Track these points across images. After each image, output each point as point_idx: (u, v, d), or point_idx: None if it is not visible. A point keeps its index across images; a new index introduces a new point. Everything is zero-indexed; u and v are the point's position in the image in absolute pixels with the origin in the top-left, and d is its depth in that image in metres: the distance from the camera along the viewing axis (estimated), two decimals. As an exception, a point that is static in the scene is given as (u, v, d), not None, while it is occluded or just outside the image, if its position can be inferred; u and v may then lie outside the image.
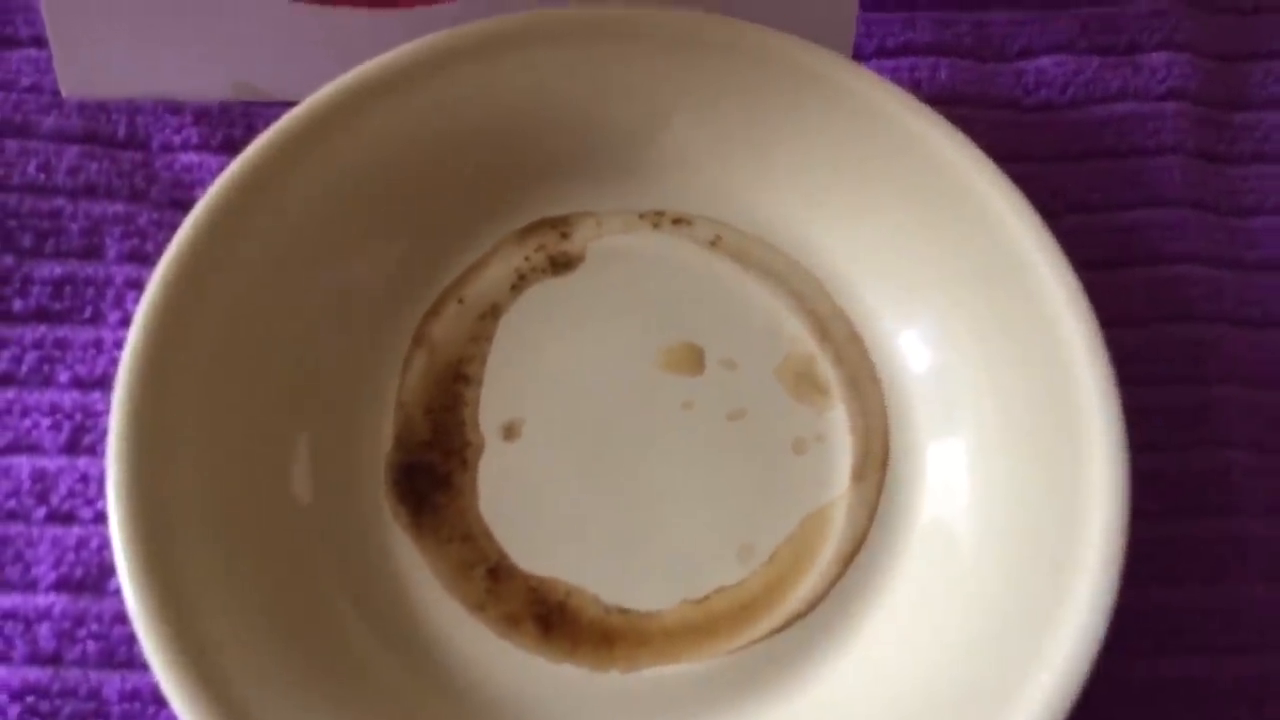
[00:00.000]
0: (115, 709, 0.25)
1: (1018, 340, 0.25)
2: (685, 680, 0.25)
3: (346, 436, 0.26)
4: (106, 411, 0.24)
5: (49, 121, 0.29)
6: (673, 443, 0.26)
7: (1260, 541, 0.27)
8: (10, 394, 0.27)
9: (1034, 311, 0.25)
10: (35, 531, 0.26)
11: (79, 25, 0.28)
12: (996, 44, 0.31)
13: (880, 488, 0.26)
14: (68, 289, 0.28)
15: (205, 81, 0.29)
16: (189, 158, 0.29)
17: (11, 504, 0.26)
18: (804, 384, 0.27)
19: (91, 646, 0.25)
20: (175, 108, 0.30)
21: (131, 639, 0.25)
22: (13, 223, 0.28)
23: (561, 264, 0.28)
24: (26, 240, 0.28)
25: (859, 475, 0.26)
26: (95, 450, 0.27)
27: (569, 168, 0.28)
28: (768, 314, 0.27)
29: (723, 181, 0.28)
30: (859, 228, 0.27)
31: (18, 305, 0.28)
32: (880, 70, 0.30)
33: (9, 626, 0.25)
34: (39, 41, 0.30)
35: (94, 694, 0.25)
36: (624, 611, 0.25)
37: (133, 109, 0.30)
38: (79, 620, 0.26)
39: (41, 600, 0.26)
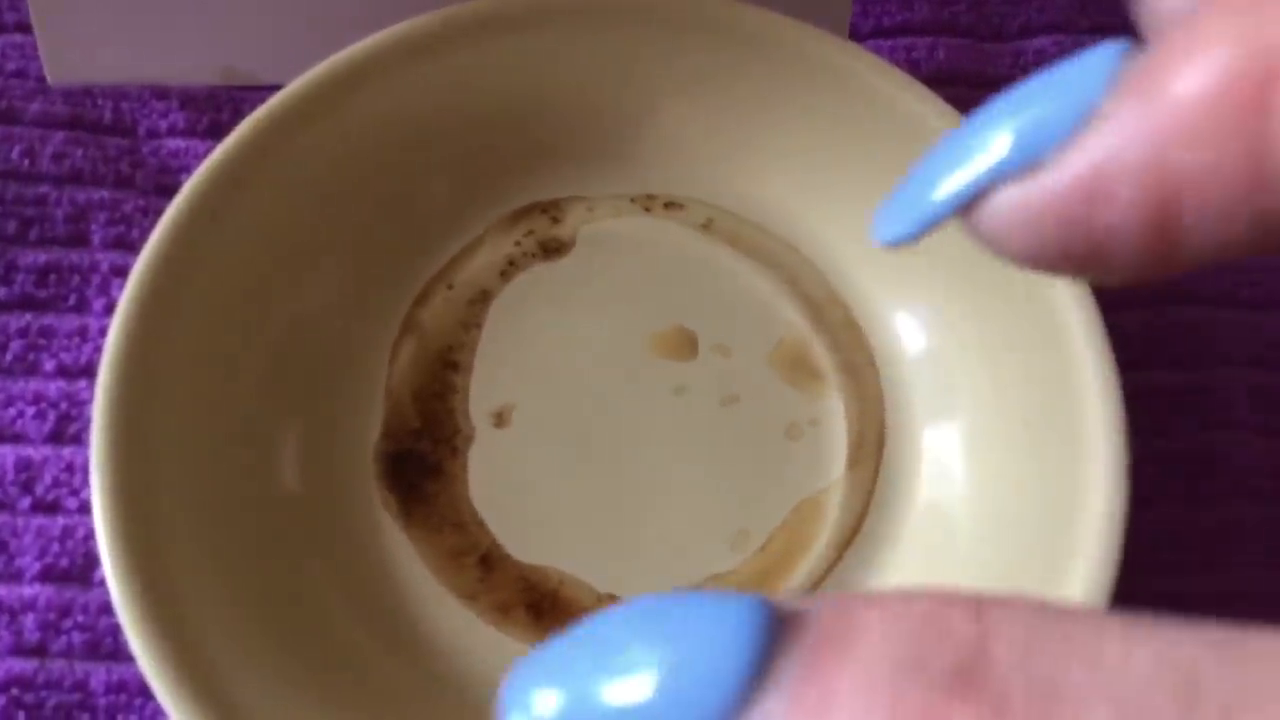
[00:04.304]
0: (101, 700, 0.25)
1: (1014, 323, 0.25)
2: (679, 669, 0.25)
3: (335, 424, 0.26)
4: (92, 400, 0.24)
5: (34, 107, 0.29)
6: (665, 429, 0.26)
7: (1262, 526, 0.27)
8: (-5, 383, 0.27)
9: (1031, 293, 0.25)
10: (20, 522, 0.26)
11: (64, 11, 0.28)
12: (995, 23, 0.31)
13: (876, 473, 0.26)
14: (52, 276, 0.28)
15: (192, 66, 0.29)
16: (175, 143, 0.29)
17: (-4, 494, 0.26)
18: (798, 369, 0.27)
19: (77, 638, 0.25)
20: (161, 93, 0.29)
21: (117, 630, 0.25)
22: (-4, 210, 0.28)
23: (552, 249, 0.27)
24: (10, 227, 0.28)
25: (854, 461, 0.26)
26: (80, 439, 0.26)
27: (559, 152, 0.27)
28: (761, 298, 0.27)
29: (715, 165, 0.27)
30: (854, 210, 0.27)
31: (1, 293, 0.27)
32: (877, 50, 0.30)
33: (-7, 618, 0.25)
34: (24, 27, 0.29)
35: (79, 685, 0.25)
36: (617, 599, 0.25)
37: (119, 94, 0.29)
38: (64, 611, 0.25)
39: (26, 591, 0.25)
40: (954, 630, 0.10)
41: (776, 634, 0.10)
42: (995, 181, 0.13)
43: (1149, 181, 0.11)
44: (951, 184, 0.13)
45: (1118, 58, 0.12)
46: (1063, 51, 0.31)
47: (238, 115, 0.29)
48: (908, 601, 0.10)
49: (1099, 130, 0.12)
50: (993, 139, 0.13)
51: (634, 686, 0.10)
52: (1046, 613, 0.10)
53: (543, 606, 0.25)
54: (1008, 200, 0.12)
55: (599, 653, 0.10)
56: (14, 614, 0.25)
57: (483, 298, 0.27)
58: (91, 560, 0.26)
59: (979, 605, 0.10)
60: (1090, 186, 0.12)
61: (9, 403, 0.27)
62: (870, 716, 0.09)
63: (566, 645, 0.11)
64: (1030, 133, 0.12)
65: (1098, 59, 0.12)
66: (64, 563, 0.26)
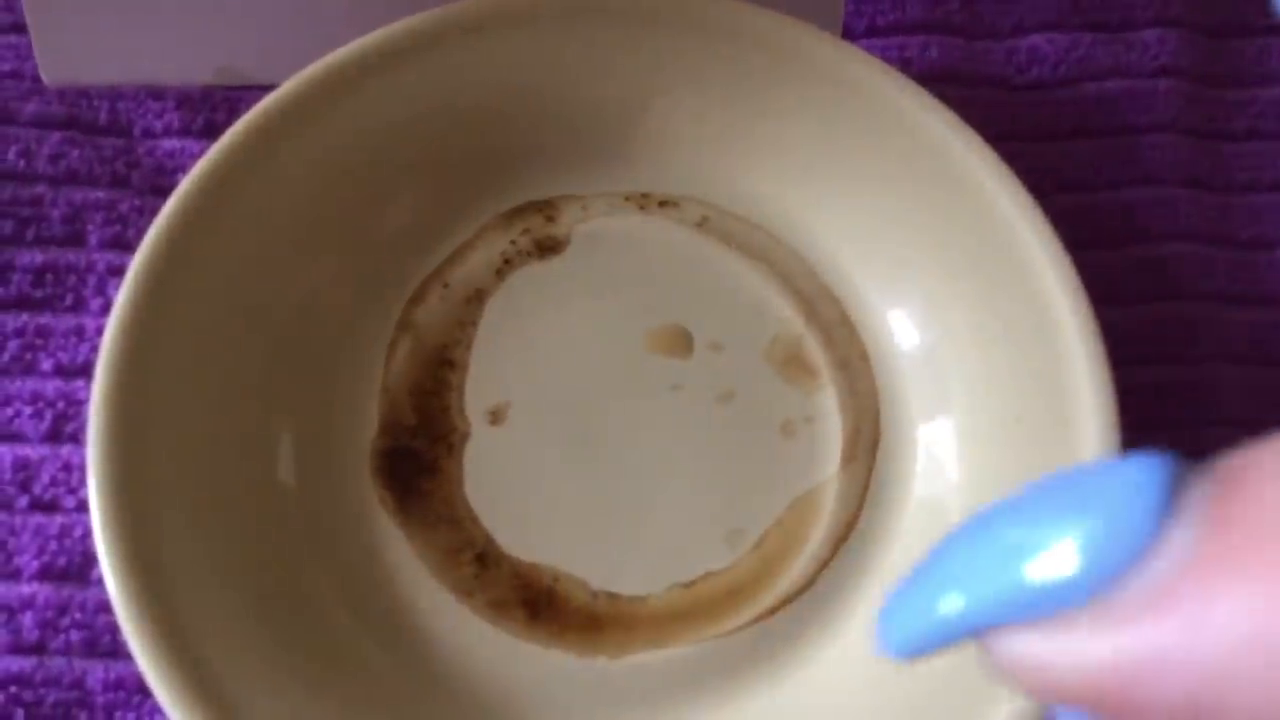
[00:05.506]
0: (99, 698, 0.25)
1: (1008, 319, 0.25)
2: (674, 665, 0.25)
3: (332, 422, 0.26)
4: (89, 399, 0.24)
5: (30, 108, 0.29)
6: (660, 426, 0.26)
7: (1254, 521, 0.27)
8: (-8, 383, 0.27)
9: (1025, 290, 0.25)
10: (18, 520, 0.26)
11: (59, 11, 0.28)
12: (987, 22, 0.31)
13: (871, 469, 0.26)
14: (49, 276, 0.28)
15: (188, 66, 0.29)
16: (171, 143, 0.29)
17: (-6, 493, 0.26)
18: (793, 365, 0.27)
19: (75, 636, 0.25)
20: (157, 93, 0.29)
21: (115, 628, 0.25)
22: (-7, 210, 0.28)
23: (547, 247, 0.27)
24: (7, 228, 0.28)
25: (849, 457, 0.26)
26: (78, 438, 0.27)
27: (553, 150, 0.27)
28: (756, 295, 0.27)
29: (710, 162, 0.27)
30: (847, 207, 0.27)
31: (-1, 293, 0.28)
32: (870, 49, 0.30)
33: (-8, 616, 0.25)
34: (19, 28, 0.30)
35: (77, 683, 0.25)
36: (612, 596, 0.25)
37: (114, 95, 0.29)
38: (62, 609, 0.25)
39: (25, 589, 0.25)
40: None
41: (1181, 472, 0.10)
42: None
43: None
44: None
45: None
46: (1055, 50, 0.31)
47: (233, 115, 0.29)
48: None
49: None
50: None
51: (1051, 559, 0.10)
52: None
53: (538, 603, 0.25)
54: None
55: (1000, 543, 0.10)
56: (12, 612, 0.25)
57: (478, 296, 0.27)
58: (89, 558, 0.26)
59: None
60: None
61: (7, 402, 0.27)
62: None
63: (949, 550, 0.10)
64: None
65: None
66: (62, 561, 0.26)
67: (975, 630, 0.11)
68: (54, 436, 0.27)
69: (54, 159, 0.29)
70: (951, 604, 0.11)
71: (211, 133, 0.29)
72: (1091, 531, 0.10)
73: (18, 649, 0.25)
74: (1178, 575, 0.09)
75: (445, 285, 0.27)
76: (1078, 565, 0.10)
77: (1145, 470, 0.10)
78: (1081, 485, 0.10)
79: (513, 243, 0.27)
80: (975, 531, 0.11)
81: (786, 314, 0.27)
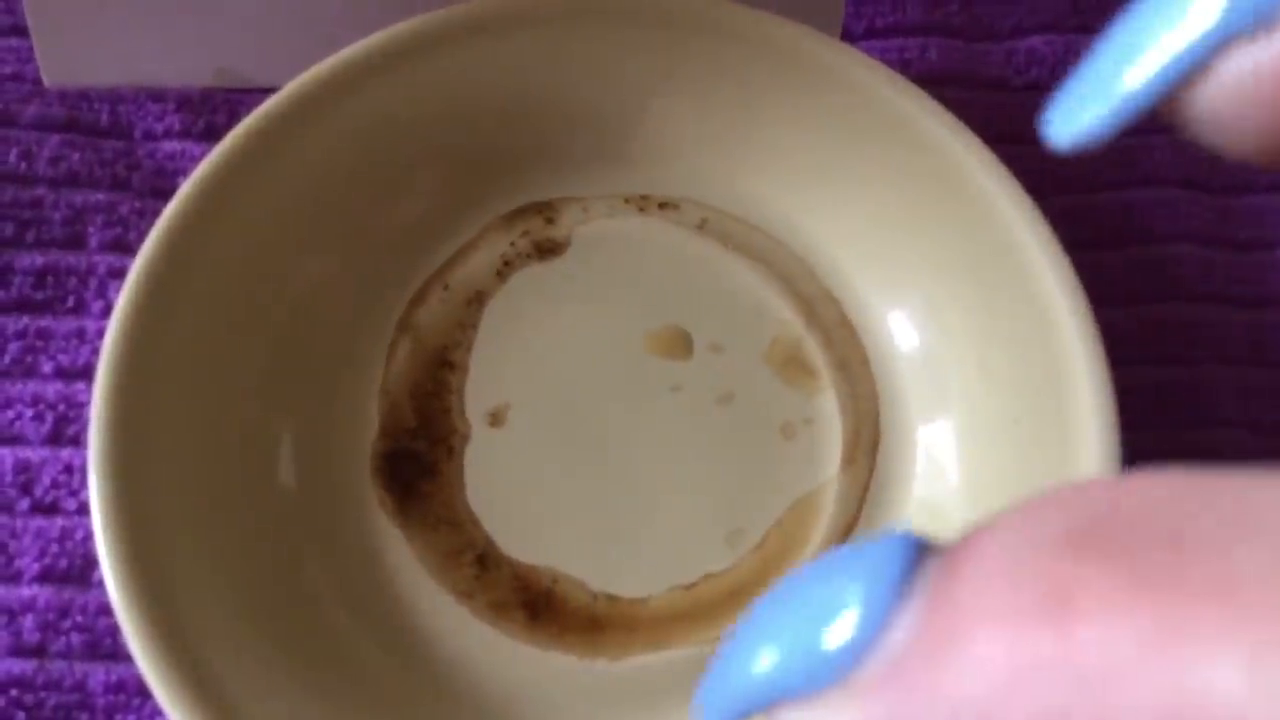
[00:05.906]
0: (100, 701, 0.25)
1: (1008, 320, 0.25)
2: (674, 667, 0.25)
3: (332, 424, 0.26)
4: (90, 402, 0.24)
5: (30, 110, 0.29)
6: (661, 428, 0.26)
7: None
8: (-7, 385, 0.27)
9: (1024, 292, 0.25)
10: (19, 523, 0.26)
11: (60, 13, 0.28)
12: (986, 23, 0.31)
13: (871, 470, 0.26)
14: (50, 279, 0.28)
15: (188, 68, 0.29)
16: (171, 146, 0.29)
17: (-5, 496, 0.26)
18: (792, 367, 0.27)
19: (76, 638, 0.25)
20: (158, 95, 0.29)
21: (116, 630, 0.25)
22: (-7, 212, 0.28)
23: (547, 249, 0.27)
24: (8, 230, 0.28)
25: (849, 458, 0.26)
26: (79, 441, 0.27)
27: (553, 153, 0.27)
28: (755, 297, 0.27)
29: (709, 165, 0.28)
30: (847, 209, 0.27)
31: (-1, 295, 0.28)
32: (869, 51, 0.30)
33: (-7, 619, 0.25)
34: (19, 30, 0.30)
35: (78, 686, 0.25)
36: (612, 598, 0.25)
37: (115, 97, 0.29)
38: (63, 612, 0.25)
39: (25, 592, 0.25)
40: (1078, 498, 0.09)
41: (922, 553, 0.10)
42: (1221, 45, 0.10)
43: None
44: (1159, 55, 0.10)
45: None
46: (1054, 51, 0.31)
47: (234, 118, 0.29)
48: (1039, 498, 0.10)
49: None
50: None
51: (838, 626, 0.10)
52: (1188, 473, 0.09)
53: (538, 605, 0.25)
54: (1239, 69, 0.10)
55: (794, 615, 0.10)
56: (13, 615, 0.25)
57: (478, 298, 0.27)
58: (90, 561, 0.26)
59: (1107, 478, 0.09)
60: None
61: (8, 405, 0.27)
62: (993, 590, 0.09)
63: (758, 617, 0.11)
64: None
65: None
66: (63, 564, 0.26)
67: (760, 703, 0.11)
68: (55, 439, 0.27)
69: (54, 161, 0.29)
70: (737, 679, 0.11)
71: (212, 135, 0.29)
72: (839, 607, 0.10)
73: (18, 652, 0.25)
74: (906, 650, 0.10)
75: (445, 287, 0.27)
76: (831, 639, 0.10)
77: (889, 548, 0.10)
78: (845, 562, 0.11)
79: (513, 245, 0.27)
80: (759, 608, 0.11)
81: (786, 316, 0.27)
